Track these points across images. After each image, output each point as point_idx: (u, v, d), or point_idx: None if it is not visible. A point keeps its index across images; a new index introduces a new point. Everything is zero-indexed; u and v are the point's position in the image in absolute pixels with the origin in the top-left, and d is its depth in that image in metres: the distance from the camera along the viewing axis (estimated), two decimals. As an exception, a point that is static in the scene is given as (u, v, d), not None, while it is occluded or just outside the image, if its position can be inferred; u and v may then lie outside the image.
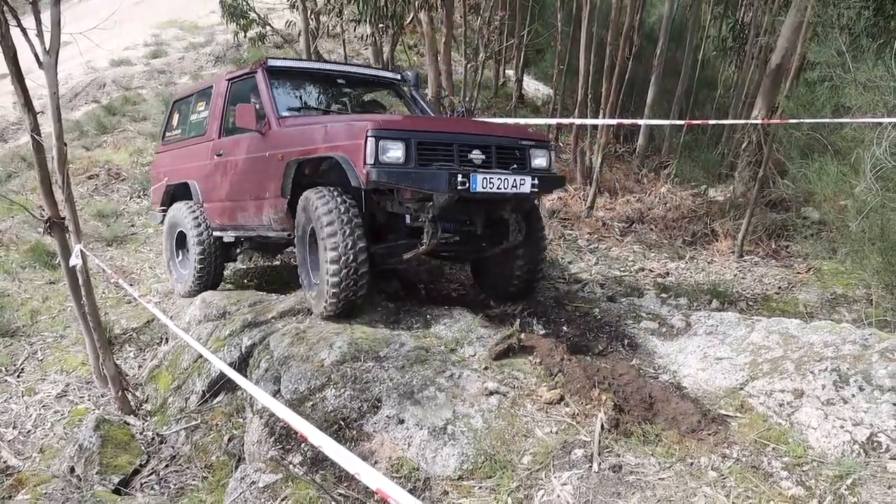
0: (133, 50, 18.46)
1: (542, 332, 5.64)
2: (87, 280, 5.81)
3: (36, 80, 5.44)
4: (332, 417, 4.36)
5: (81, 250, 5.66)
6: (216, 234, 7.17)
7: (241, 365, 5.46)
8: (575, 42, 13.14)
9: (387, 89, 7.75)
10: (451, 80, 13.12)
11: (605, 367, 4.76)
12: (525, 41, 14.76)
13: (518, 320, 5.54)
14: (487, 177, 5.19)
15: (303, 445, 4.20)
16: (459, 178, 5.05)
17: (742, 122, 11.67)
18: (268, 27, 16.27)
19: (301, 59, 8.36)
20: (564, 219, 11.20)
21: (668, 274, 8.93)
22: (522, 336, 5.04)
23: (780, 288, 8.22)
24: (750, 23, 15.13)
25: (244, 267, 8.76)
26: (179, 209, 7.46)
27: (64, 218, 5.74)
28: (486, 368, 4.76)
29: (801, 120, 8.23)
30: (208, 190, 7.12)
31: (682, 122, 11.83)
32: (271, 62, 6.61)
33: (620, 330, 5.72)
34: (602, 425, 4.06)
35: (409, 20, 14.15)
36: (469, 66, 14.31)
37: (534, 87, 18.44)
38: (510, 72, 17.55)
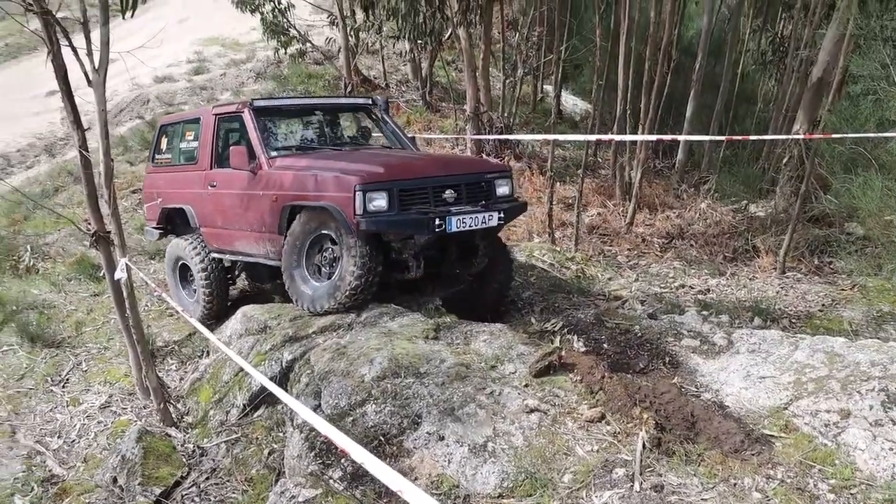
0: (176, 66, 18.78)
1: (583, 349, 5.58)
2: (131, 293, 5.90)
3: (83, 97, 5.56)
4: (373, 433, 4.37)
5: (126, 264, 5.75)
6: (215, 255, 7.49)
7: (282, 379, 5.49)
8: (613, 57, 13.10)
9: (360, 112, 8.28)
10: (490, 96, 13.14)
11: (647, 385, 4.71)
12: (563, 56, 14.73)
13: (558, 337, 5.52)
14: (461, 217, 5.92)
15: (343, 461, 4.21)
16: (437, 221, 5.79)
17: (783, 137, 11.53)
18: (308, 44, 16.53)
19: (283, 97, 8.98)
20: (604, 235, 11.15)
21: (708, 290, 8.82)
22: (563, 353, 5.01)
23: (823, 305, 8.07)
24: (790, 36, 14.97)
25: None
26: (179, 245, 7.75)
27: (109, 232, 5.85)
28: (526, 386, 4.73)
29: (845, 134, 8.12)
30: (205, 216, 7.47)
31: (722, 138, 11.71)
32: (256, 102, 7.03)
33: (661, 347, 5.65)
34: (643, 444, 4.02)
35: (447, 36, 14.27)
36: (507, 81, 14.36)
37: (572, 103, 18.42)
38: (548, 87, 17.55)
